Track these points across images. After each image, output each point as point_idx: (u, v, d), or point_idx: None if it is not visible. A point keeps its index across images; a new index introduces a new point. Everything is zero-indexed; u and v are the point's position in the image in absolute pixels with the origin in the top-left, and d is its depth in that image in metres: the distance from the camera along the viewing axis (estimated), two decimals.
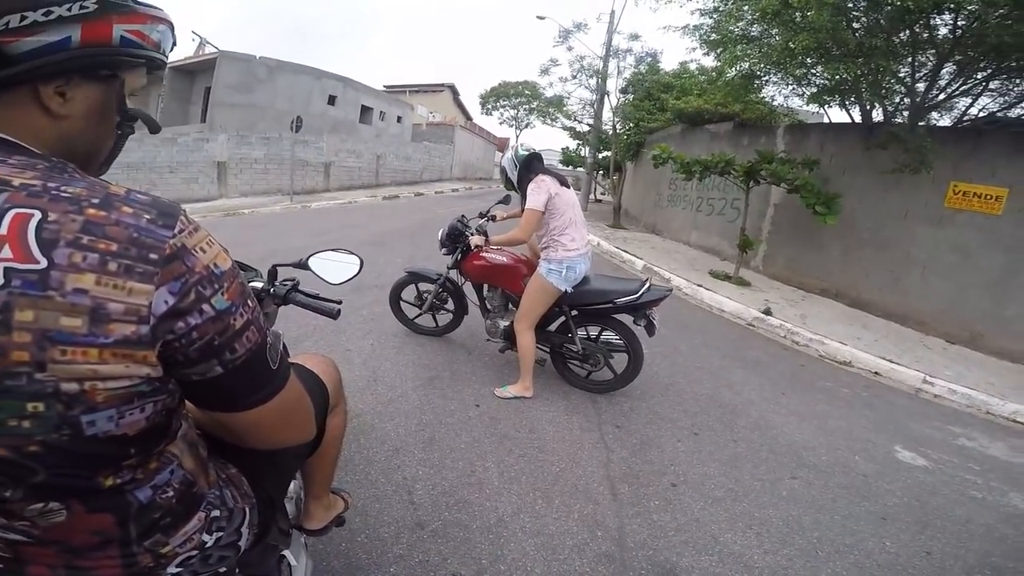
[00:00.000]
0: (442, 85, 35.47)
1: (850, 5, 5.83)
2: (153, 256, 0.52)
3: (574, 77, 16.37)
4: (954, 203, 6.23)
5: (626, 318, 3.06)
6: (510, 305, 3.39)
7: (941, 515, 2.50)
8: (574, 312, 3.09)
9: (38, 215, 0.49)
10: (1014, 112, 6.57)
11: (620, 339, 3.07)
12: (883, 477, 2.79)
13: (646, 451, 2.69)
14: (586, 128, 17.59)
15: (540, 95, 24.16)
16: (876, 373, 4.74)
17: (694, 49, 9.49)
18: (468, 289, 3.58)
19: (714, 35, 7.53)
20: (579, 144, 21.52)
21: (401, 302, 3.81)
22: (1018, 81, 6.18)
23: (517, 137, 33.67)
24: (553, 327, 3.28)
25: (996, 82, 6.35)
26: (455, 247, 3.35)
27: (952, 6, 4.84)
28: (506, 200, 3.59)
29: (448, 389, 3.04)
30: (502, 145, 37.29)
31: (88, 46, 0.58)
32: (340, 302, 1.21)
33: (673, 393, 3.45)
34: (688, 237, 10.55)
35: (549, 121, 19.98)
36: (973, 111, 6.87)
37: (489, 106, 31.67)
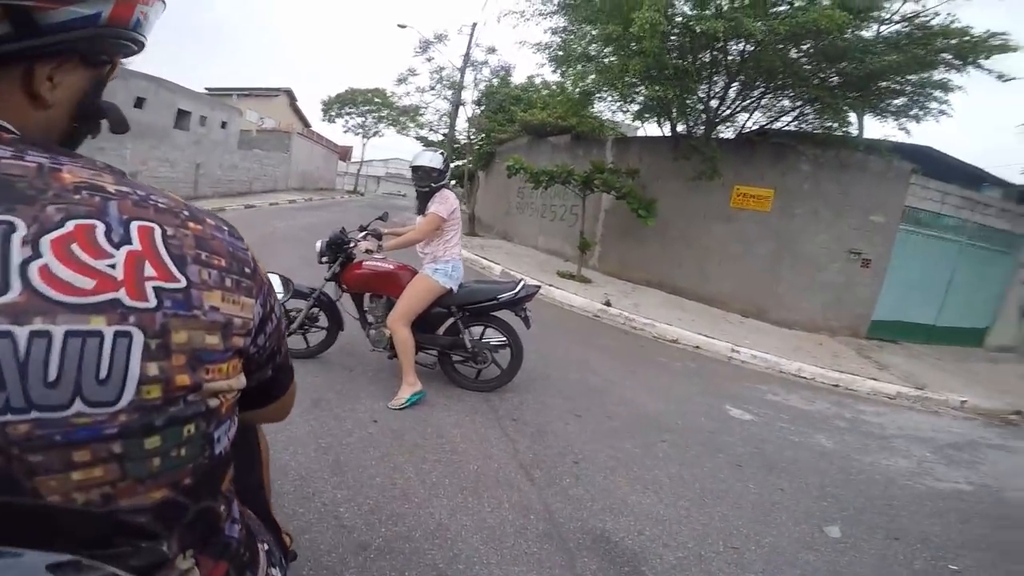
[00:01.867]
0: (277, 89, 31.79)
1: (672, 31, 6.89)
2: (247, 270, 0.53)
3: (432, 88, 16.38)
4: (737, 203, 7.80)
5: (505, 315, 3.38)
6: None
7: (778, 457, 3.18)
8: (462, 313, 3.28)
9: (159, 228, 0.46)
10: (778, 125, 8.43)
11: (503, 335, 3.37)
12: (725, 432, 3.43)
13: (544, 437, 2.92)
14: (440, 138, 17.66)
15: (392, 103, 23.49)
16: (697, 347, 5.74)
17: (543, 65, 10.23)
18: (345, 301, 3.45)
19: (560, 53, 8.26)
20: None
21: None
22: (781, 98, 7.97)
23: (364, 146, 32.21)
24: (441, 330, 3.38)
25: (766, 99, 8.11)
26: (336, 257, 3.24)
27: (746, 33, 6.06)
28: (384, 217, 3.58)
29: (338, 409, 2.87)
30: (344, 154, 35.27)
31: (112, 25, 0.50)
32: None
33: (550, 383, 3.78)
34: (536, 242, 11.36)
35: (401, 130, 19.60)
36: (749, 124, 8.66)
37: (332, 113, 29.62)
